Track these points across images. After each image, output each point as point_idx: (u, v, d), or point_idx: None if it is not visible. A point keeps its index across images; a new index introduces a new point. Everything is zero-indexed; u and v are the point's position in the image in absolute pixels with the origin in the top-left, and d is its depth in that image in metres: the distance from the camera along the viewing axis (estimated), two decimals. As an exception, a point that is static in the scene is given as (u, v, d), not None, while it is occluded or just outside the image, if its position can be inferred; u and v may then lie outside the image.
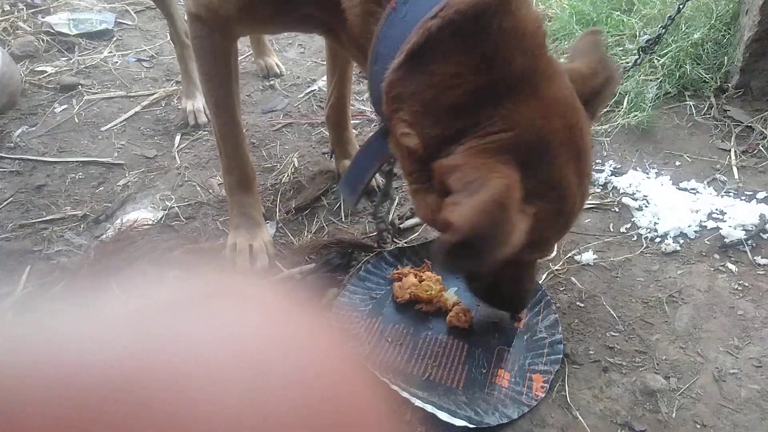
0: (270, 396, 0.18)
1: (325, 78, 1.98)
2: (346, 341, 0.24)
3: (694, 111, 1.82)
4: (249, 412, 0.17)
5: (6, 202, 1.56)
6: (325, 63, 1.70)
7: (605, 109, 1.82)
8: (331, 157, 1.65)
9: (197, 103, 1.86)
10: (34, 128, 1.84)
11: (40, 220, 1.50)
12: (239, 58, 2.18)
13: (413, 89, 0.83)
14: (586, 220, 1.48)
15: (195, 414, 0.17)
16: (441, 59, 0.81)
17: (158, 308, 0.20)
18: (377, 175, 1.53)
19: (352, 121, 1.67)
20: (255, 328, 0.20)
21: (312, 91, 2.04)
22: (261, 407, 0.18)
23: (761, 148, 1.69)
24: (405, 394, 1.04)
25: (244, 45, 2.26)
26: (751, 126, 1.76)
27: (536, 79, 0.82)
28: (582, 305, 1.26)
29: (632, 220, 1.48)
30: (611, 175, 1.61)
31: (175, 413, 0.16)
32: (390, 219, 1.44)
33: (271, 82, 2.10)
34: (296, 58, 2.27)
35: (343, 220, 1.50)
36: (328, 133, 1.66)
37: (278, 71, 2.13)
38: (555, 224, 0.88)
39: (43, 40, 2.27)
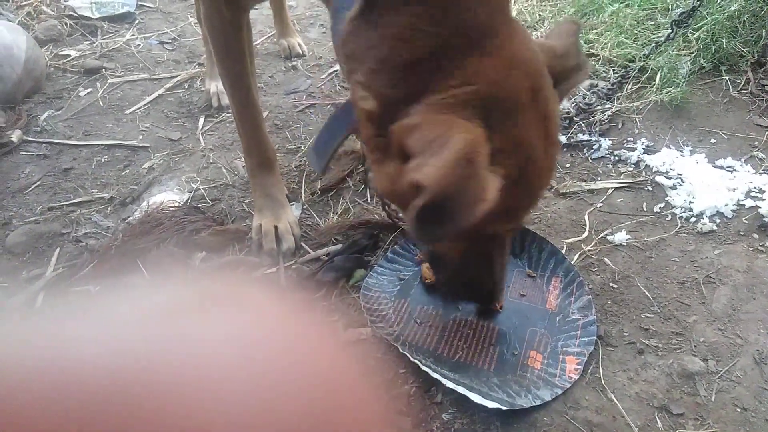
0: (270, 398, 0.18)
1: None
2: (348, 344, 0.23)
3: (730, 86, 1.76)
4: (250, 414, 0.17)
5: (34, 185, 1.57)
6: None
7: (637, 86, 1.77)
8: (357, 137, 1.63)
9: (221, 85, 1.85)
10: (59, 112, 1.85)
11: (68, 202, 1.51)
12: (261, 39, 2.17)
13: (367, 44, 0.76)
14: (618, 200, 1.44)
15: (197, 416, 0.17)
16: (395, 9, 0.74)
17: (161, 312, 0.21)
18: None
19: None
20: (255, 331, 0.21)
21: (335, 71, 2.02)
22: (262, 409, 0.18)
23: (801, 123, 1.63)
24: (436, 376, 1.03)
25: (265, 26, 2.24)
26: (790, 101, 1.70)
27: (500, 36, 0.75)
28: (615, 286, 1.23)
29: (666, 199, 1.43)
30: (644, 153, 1.57)
31: (178, 415, 0.17)
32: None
33: (294, 63, 2.08)
34: (318, 38, 2.24)
35: (369, 201, 1.48)
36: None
37: (300, 51, 2.10)
38: (524, 190, 0.80)
39: (66, 24, 2.27)
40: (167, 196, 1.50)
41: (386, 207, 1.32)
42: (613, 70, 1.83)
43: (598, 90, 1.74)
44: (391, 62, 0.75)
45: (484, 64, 0.74)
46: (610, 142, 1.61)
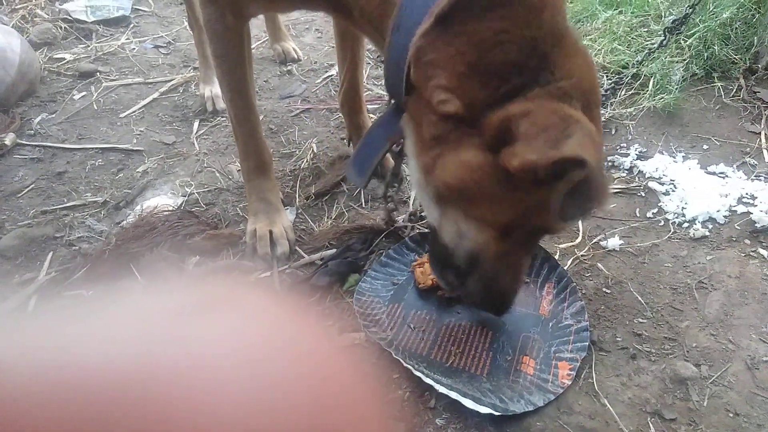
0: (267, 402, 0.18)
1: (338, 64, 1.96)
2: (342, 349, 0.24)
3: (722, 93, 1.78)
4: (247, 418, 0.18)
5: (27, 189, 1.56)
6: (336, 50, 1.67)
7: (630, 92, 1.78)
8: (350, 144, 1.64)
9: (215, 89, 1.85)
10: (53, 115, 1.85)
11: (61, 206, 1.51)
12: (256, 44, 2.18)
13: (452, 52, 0.80)
14: (612, 205, 1.44)
15: (196, 418, 0.17)
16: (478, 18, 0.78)
17: (160, 316, 0.21)
18: (388, 156, 1.52)
19: (370, 106, 1.65)
20: (252, 336, 0.21)
21: (330, 76, 2.02)
22: (259, 413, 0.18)
23: (793, 130, 1.64)
24: (429, 381, 1.03)
25: (260, 30, 2.24)
26: (782, 108, 1.71)
27: (571, 37, 0.81)
28: (608, 291, 1.23)
29: (659, 204, 1.44)
30: (637, 159, 1.58)
31: (177, 418, 0.17)
32: (404, 199, 1.37)
33: (289, 68, 2.08)
34: (313, 43, 2.25)
35: (363, 205, 1.48)
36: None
37: (295, 56, 2.11)
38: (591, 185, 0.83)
39: (60, 28, 2.27)
40: (161, 200, 1.49)
41: (388, 212, 1.32)
42: (607, 76, 1.84)
43: (592, 96, 1.75)
44: (483, 65, 0.79)
45: (573, 60, 0.79)
46: (604, 147, 1.61)
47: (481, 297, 1.00)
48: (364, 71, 1.62)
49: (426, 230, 1.38)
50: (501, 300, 1.00)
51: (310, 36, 2.30)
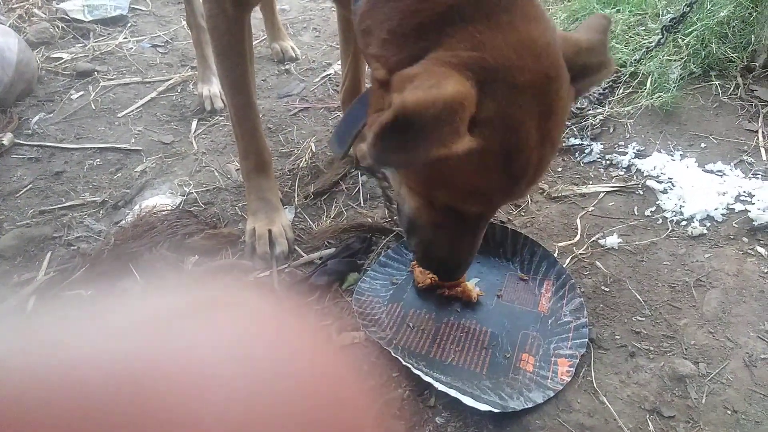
0: (264, 402, 0.19)
1: (340, 62, 1.96)
2: (341, 348, 0.24)
3: (719, 91, 1.78)
4: (245, 418, 0.18)
5: (25, 189, 1.56)
6: (339, 46, 1.68)
7: (628, 90, 1.79)
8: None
9: (213, 89, 1.85)
10: (51, 115, 1.85)
11: (59, 206, 1.51)
12: (254, 43, 2.17)
13: (381, 18, 0.79)
14: (610, 203, 1.45)
15: (193, 419, 0.17)
16: None
17: (156, 317, 0.21)
18: None
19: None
20: (251, 335, 0.21)
21: (328, 75, 2.02)
22: (256, 413, 0.18)
23: (790, 128, 1.65)
24: (428, 379, 1.03)
25: (258, 30, 2.24)
26: (779, 106, 1.72)
27: (514, 14, 0.75)
28: (607, 289, 1.23)
29: (657, 203, 1.44)
30: (635, 157, 1.58)
31: (174, 418, 0.17)
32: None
33: (287, 67, 2.08)
34: (311, 42, 2.25)
35: (362, 204, 1.48)
36: (345, 117, 1.64)
37: (293, 55, 2.11)
38: (500, 173, 0.78)
39: (58, 27, 2.27)
40: (160, 200, 1.49)
41: (389, 205, 1.31)
42: (605, 74, 1.84)
43: (590, 94, 1.75)
44: (402, 30, 0.77)
45: (494, 36, 0.74)
46: (602, 146, 1.62)
47: (422, 258, 1.01)
48: (365, 69, 1.62)
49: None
50: (442, 267, 1.00)
51: (308, 35, 2.30)
